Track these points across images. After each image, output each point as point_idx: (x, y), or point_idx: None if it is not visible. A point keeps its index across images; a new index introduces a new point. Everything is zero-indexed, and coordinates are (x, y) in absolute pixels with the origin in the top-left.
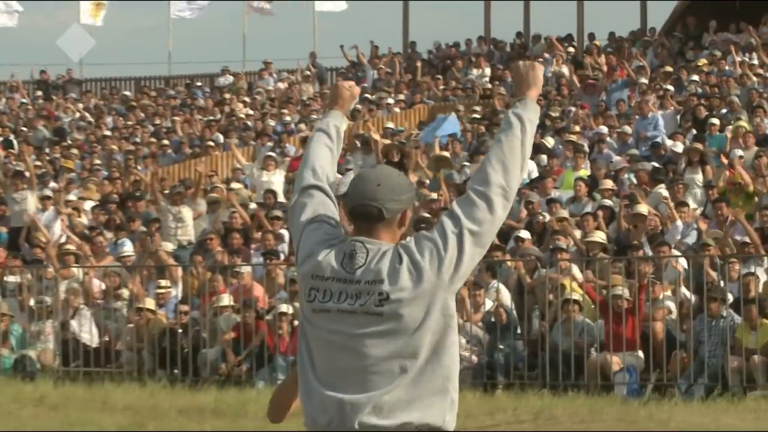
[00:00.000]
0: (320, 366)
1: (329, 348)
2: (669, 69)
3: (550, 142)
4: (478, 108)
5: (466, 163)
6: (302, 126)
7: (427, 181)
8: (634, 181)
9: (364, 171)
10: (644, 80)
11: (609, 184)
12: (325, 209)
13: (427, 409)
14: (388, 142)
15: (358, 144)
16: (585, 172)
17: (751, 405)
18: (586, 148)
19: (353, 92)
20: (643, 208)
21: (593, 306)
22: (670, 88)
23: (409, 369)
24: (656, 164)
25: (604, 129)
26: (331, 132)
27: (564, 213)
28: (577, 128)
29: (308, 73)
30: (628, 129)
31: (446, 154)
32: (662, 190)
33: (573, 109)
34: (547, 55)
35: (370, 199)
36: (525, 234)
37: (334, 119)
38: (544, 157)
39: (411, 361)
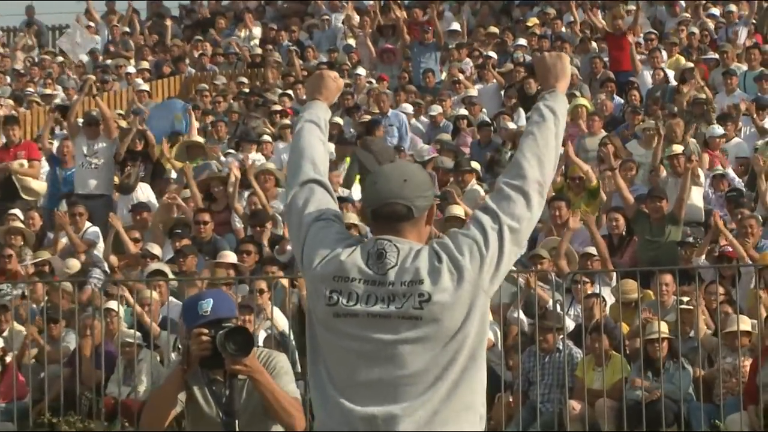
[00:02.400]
0: (342, 377)
1: (356, 357)
2: (493, 30)
3: (338, 123)
4: (245, 80)
5: (231, 151)
6: (11, 102)
7: (174, 175)
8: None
9: (383, 167)
10: (453, 45)
11: None
12: (329, 207)
13: (460, 425)
14: (124, 123)
15: (81, 125)
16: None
17: None
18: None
19: (339, 84)
20: (459, 209)
21: None
22: (492, 55)
23: (444, 379)
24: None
25: (408, 108)
26: (321, 125)
27: (354, 217)
28: (377, 108)
29: (23, 32)
30: (439, 108)
31: (200, 139)
32: (478, 187)
33: (368, 83)
34: (330, 14)
35: (397, 197)
36: None
37: (322, 111)
38: (330, 144)
39: (447, 371)
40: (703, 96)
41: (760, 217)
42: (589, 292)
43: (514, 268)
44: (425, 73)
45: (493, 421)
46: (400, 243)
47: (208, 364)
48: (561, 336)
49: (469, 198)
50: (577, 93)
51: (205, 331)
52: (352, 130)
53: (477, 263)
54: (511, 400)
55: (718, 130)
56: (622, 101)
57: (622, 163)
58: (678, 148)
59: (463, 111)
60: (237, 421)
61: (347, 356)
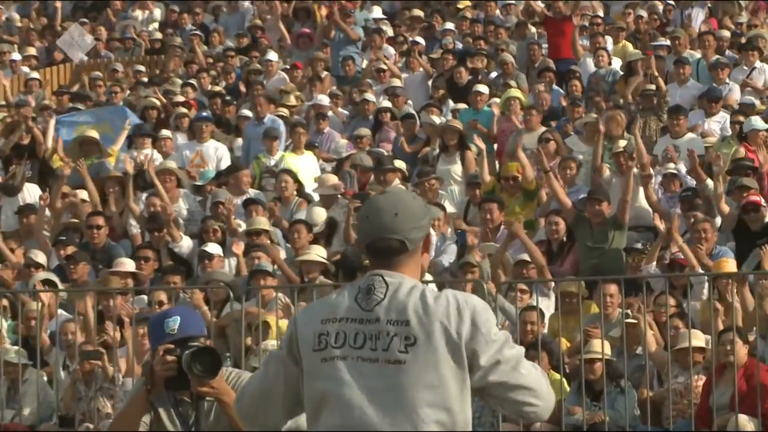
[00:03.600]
0: (332, 425)
1: (344, 404)
2: (418, 13)
3: (248, 117)
4: (142, 68)
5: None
6: None
7: (67, 173)
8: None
9: (375, 199)
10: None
11: (331, 179)
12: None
13: None
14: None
15: None
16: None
17: None
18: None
19: None
20: None
21: None
22: (420, 40)
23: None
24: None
25: (325, 99)
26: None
27: (264, 221)
28: (293, 99)
29: None
30: (371, 96)
31: (95, 134)
32: (403, 188)
33: (283, 73)
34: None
35: (390, 232)
36: (214, 249)
37: None
38: (239, 141)
39: (431, 419)
40: (653, 87)
41: (716, 221)
42: (527, 303)
43: (428, 278)
44: (344, 60)
45: None
46: (391, 277)
47: (174, 385)
48: None
49: None
50: (512, 83)
51: (171, 348)
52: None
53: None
54: None
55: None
56: (563, 92)
57: (561, 162)
58: (622, 144)
59: (386, 103)
60: None
61: (337, 403)
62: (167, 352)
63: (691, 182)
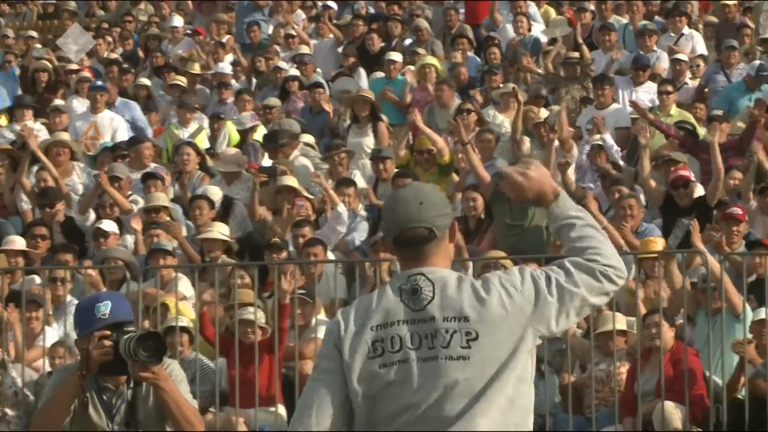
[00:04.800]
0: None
1: (403, 412)
2: None
3: (146, 85)
4: (34, 33)
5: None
6: None
7: None
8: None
9: (397, 192)
10: None
11: (232, 152)
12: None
13: None
14: None
15: None
16: (203, 134)
17: None
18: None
19: None
20: (292, 180)
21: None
22: (332, 5)
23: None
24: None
25: (227, 67)
26: None
27: (164, 197)
28: (197, 67)
29: None
30: (283, 64)
31: None
32: (306, 160)
33: (190, 39)
34: None
35: (417, 221)
36: (109, 226)
37: None
38: (137, 111)
39: (494, 411)
40: (576, 55)
41: (641, 197)
42: None
43: (333, 258)
44: (250, 26)
45: None
46: (433, 273)
47: (110, 371)
48: None
49: (300, 173)
50: (421, 51)
51: (108, 334)
52: (162, 91)
53: (525, 301)
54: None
55: None
56: (479, 60)
57: (478, 134)
58: (543, 115)
59: (294, 71)
60: None
61: (403, 403)
62: (104, 337)
63: (617, 155)
